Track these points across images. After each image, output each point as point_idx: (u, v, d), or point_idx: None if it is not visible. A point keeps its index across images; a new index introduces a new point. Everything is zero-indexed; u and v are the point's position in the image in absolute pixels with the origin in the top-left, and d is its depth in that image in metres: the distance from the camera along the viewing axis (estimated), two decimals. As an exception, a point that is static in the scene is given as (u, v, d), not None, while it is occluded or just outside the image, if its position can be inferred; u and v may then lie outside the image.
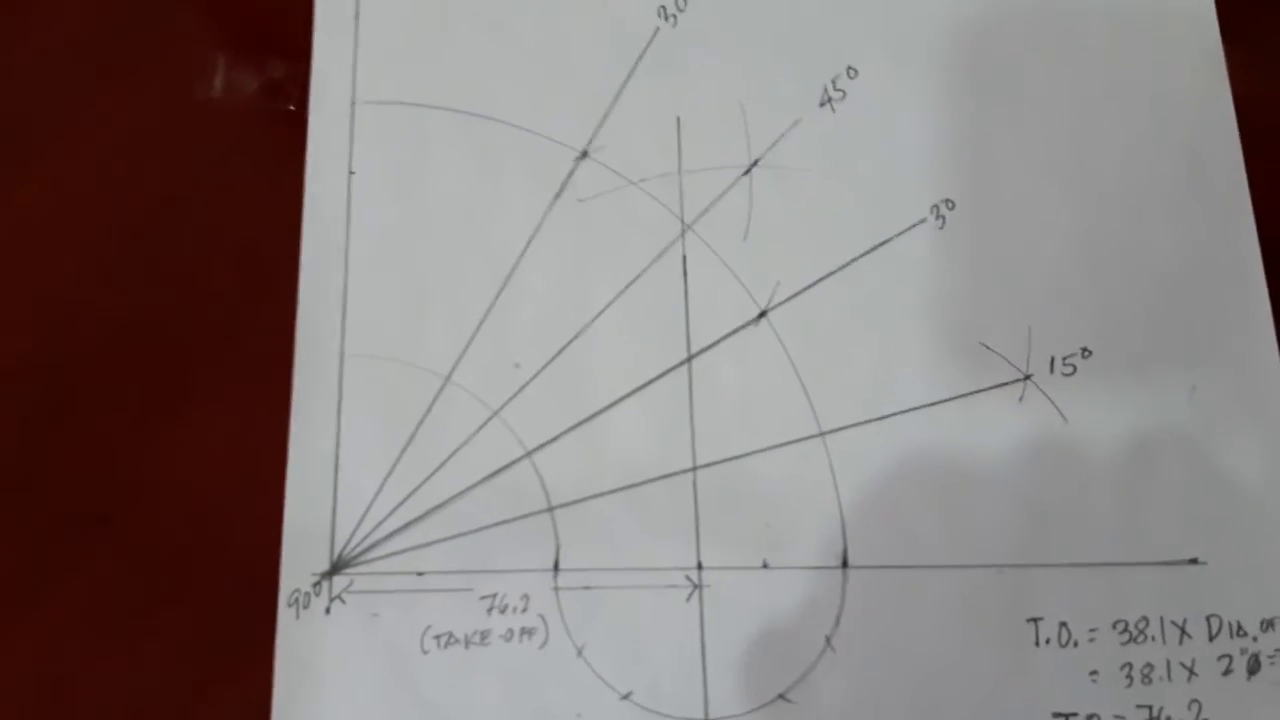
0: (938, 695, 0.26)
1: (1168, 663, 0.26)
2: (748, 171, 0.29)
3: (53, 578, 0.27)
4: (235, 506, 0.27)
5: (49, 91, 0.30)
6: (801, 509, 0.27)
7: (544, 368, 0.28)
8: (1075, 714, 0.25)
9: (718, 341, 0.28)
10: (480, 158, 0.29)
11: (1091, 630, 0.26)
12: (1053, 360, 0.28)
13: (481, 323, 0.28)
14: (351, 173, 0.29)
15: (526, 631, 0.26)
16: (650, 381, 0.28)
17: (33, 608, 0.26)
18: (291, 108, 0.29)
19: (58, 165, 0.29)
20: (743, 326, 0.28)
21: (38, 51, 0.30)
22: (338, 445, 0.27)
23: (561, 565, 0.27)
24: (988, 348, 0.28)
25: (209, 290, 0.29)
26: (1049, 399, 0.28)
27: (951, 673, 0.26)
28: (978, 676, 0.26)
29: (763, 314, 0.28)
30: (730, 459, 0.27)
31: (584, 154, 0.29)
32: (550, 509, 0.27)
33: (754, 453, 0.27)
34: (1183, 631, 0.26)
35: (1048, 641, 0.26)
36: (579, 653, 0.26)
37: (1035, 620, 0.26)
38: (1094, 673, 0.26)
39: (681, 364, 0.28)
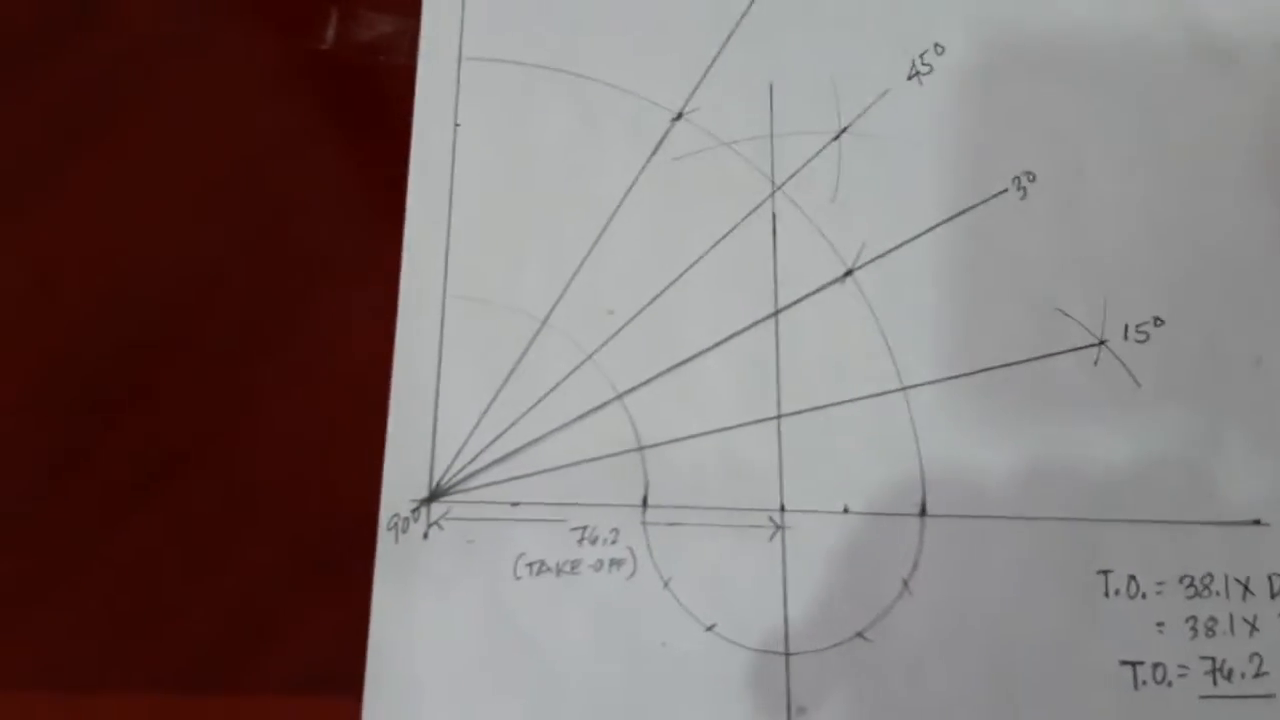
0: (1009, 640, 0.27)
1: (1231, 617, 0.27)
2: (837, 138, 0.31)
3: (153, 498, 0.28)
4: (340, 435, 0.29)
5: (167, 39, 0.32)
6: (882, 459, 0.28)
7: (636, 315, 0.30)
8: (1141, 662, 0.27)
9: (804, 297, 0.30)
10: (580, 115, 0.31)
11: (1159, 584, 0.28)
12: (1126, 328, 0.30)
13: (577, 270, 0.30)
14: (457, 125, 0.31)
15: (615, 562, 0.28)
16: (739, 332, 0.30)
17: (127, 529, 0.28)
18: (402, 61, 0.31)
19: (174, 109, 0.31)
20: (829, 284, 0.30)
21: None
22: (438, 380, 0.29)
23: (650, 502, 0.28)
24: (1064, 313, 0.30)
25: (316, 231, 0.31)
26: (1122, 364, 0.29)
27: (1023, 619, 0.27)
28: (1048, 624, 0.27)
29: (849, 273, 0.30)
30: (814, 408, 0.29)
31: (679, 115, 0.31)
32: (640, 448, 0.29)
33: (837, 404, 0.29)
34: (1246, 589, 0.28)
35: (1117, 593, 0.28)
36: (665, 584, 0.28)
37: (1105, 572, 0.28)
38: (1160, 624, 0.27)
39: (769, 317, 0.30)
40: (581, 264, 0.30)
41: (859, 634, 0.27)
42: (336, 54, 0.32)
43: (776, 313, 0.30)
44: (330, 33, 0.32)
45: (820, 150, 0.31)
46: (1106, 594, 0.28)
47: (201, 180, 0.31)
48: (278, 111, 0.31)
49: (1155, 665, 0.27)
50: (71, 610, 0.27)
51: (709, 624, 0.27)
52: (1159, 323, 0.30)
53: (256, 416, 0.29)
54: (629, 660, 0.27)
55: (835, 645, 0.27)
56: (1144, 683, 0.27)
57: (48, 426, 0.29)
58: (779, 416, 0.29)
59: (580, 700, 0.27)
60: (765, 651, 0.27)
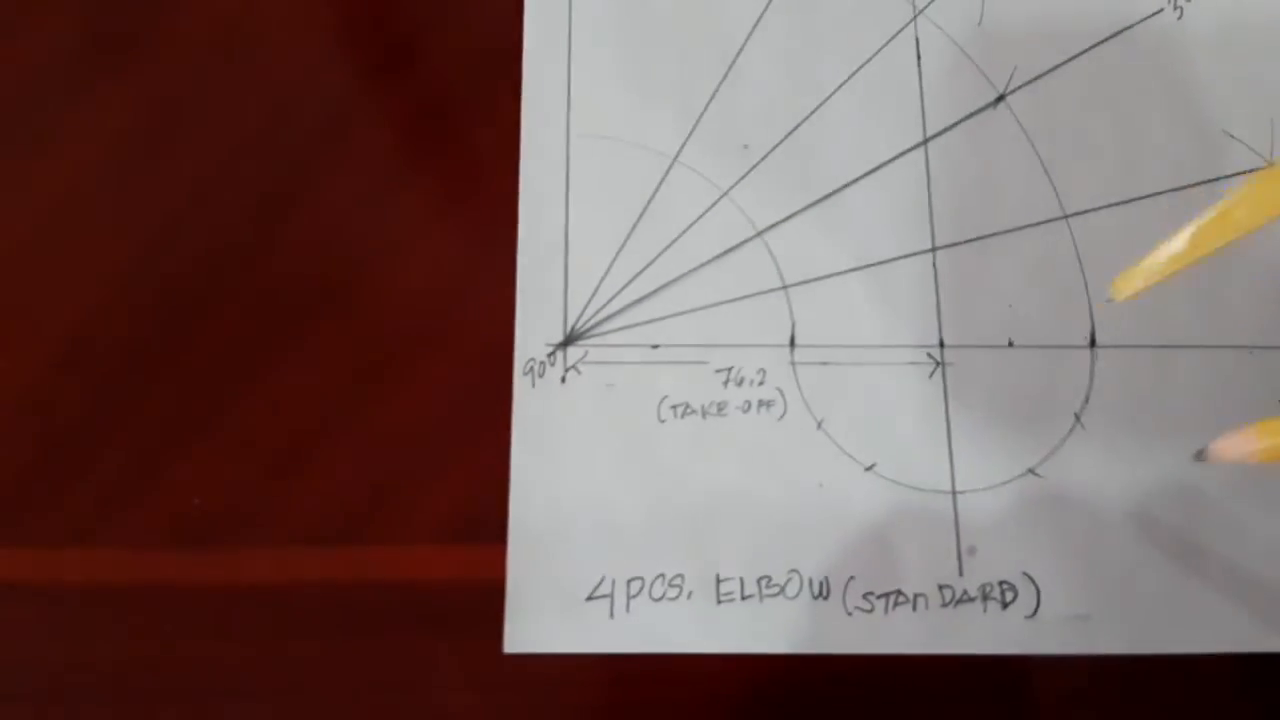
0: (1190, 474, 0.26)
1: None
2: (981, -42, 0.29)
3: (288, 350, 0.27)
4: (471, 280, 0.28)
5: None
6: (1046, 290, 0.27)
7: (774, 149, 0.28)
8: (1333, 492, 0.26)
9: (955, 124, 0.28)
10: (704, -57, 0.30)
11: (1347, 411, 0.26)
12: (1297, 149, 0.28)
13: (709, 104, 0.29)
14: (573, -45, 0.30)
15: (764, 404, 0.27)
16: (886, 163, 0.28)
17: (265, 380, 0.27)
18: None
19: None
20: (980, 110, 0.28)
21: None
22: (567, 221, 0.28)
23: (798, 341, 0.27)
24: (1231, 135, 0.28)
25: (434, 76, 0.29)
26: (1296, 187, 0.28)
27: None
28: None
29: (1001, 97, 0.28)
30: (971, 240, 0.28)
31: (810, -60, 0.30)
32: (784, 287, 0.28)
33: (996, 234, 0.28)
34: None
35: (1302, 421, 0.26)
36: (819, 425, 0.27)
37: (1288, 400, 0.26)
38: (1351, 452, 0.26)
39: (917, 146, 0.28)
40: (713, 97, 0.29)
41: (1030, 470, 0.26)
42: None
43: (925, 141, 0.28)
44: None
45: (963, -28, 0.29)
46: (1291, 423, 0.26)
47: (313, 34, 0.30)
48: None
49: (1348, 495, 0.26)
50: (210, 463, 0.26)
51: (868, 464, 0.26)
52: (1332, 145, 0.28)
53: (383, 265, 0.28)
54: (785, 503, 0.26)
55: (1005, 483, 0.26)
56: (1335, 511, 0.26)
57: (172, 282, 0.28)
58: (933, 249, 0.28)
59: (737, 544, 0.26)
60: (931, 490, 0.26)
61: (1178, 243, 0.21)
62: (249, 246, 0.28)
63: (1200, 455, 0.22)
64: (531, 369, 0.27)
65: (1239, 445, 0.21)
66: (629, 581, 0.26)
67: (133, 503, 0.26)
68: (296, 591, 0.26)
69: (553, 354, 0.27)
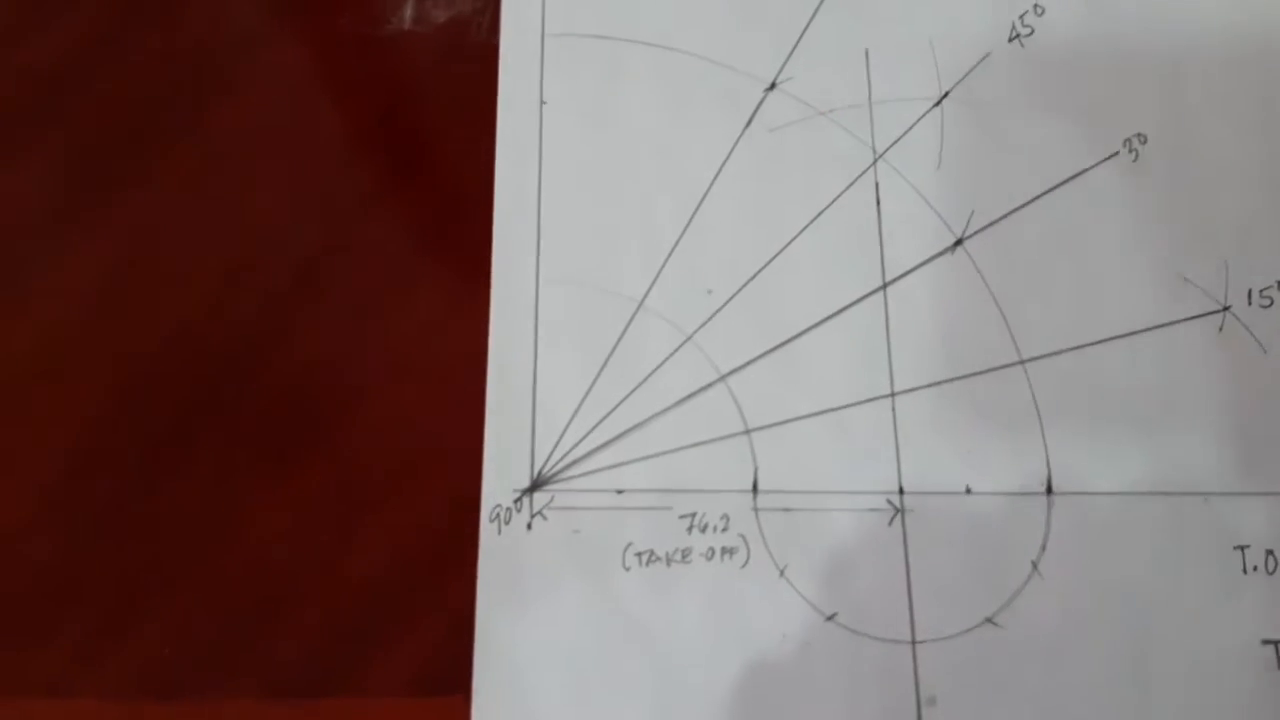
0: (1145, 621, 0.27)
1: (1379, 593, 0.27)
2: (938, 103, 0.31)
3: (263, 492, 0.29)
4: (436, 428, 0.29)
5: (245, 25, 0.32)
6: (1003, 435, 0.29)
7: (736, 293, 0.30)
8: (1286, 640, 0.27)
9: (914, 269, 0.30)
10: (669, 89, 0.31)
11: (1300, 558, 0.28)
12: (1250, 292, 0.30)
13: (673, 250, 0.30)
14: (543, 103, 0.31)
15: (728, 550, 0.28)
16: (846, 307, 0.30)
17: (229, 534, 0.29)
18: (483, 39, 0.32)
19: (254, 96, 0.32)
20: (939, 254, 0.30)
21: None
22: (535, 367, 0.29)
23: (761, 487, 0.29)
24: (1186, 280, 0.30)
25: (405, 219, 0.31)
26: (1248, 330, 0.29)
27: (1159, 599, 0.27)
28: (1185, 604, 0.27)
29: (959, 242, 0.30)
30: (930, 385, 0.29)
31: (773, 85, 0.31)
32: (747, 431, 0.29)
33: (954, 379, 0.29)
34: (1393, 562, 0.28)
35: (1255, 569, 0.28)
36: (781, 573, 0.28)
37: (1242, 548, 0.28)
38: (1304, 600, 0.27)
39: (877, 290, 0.30)
40: (677, 243, 0.30)
41: (988, 620, 0.27)
42: (414, 35, 0.32)
43: (884, 286, 0.30)
44: (408, 13, 0.32)
45: (922, 117, 0.31)
46: (1244, 570, 0.28)
47: (283, 170, 0.31)
48: (358, 97, 0.32)
49: (1301, 643, 0.27)
50: (181, 614, 0.28)
51: (829, 613, 0.28)
52: (1284, 287, 0.30)
53: (355, 412, 0.30)
54: (747, 653, 0.27)
55: (964, 632, 0.27)
56: (1290, 662, 0.27)
57: (146, 429, 0.29)
58: (893, 394, 0.29)
59: (698, 696, 0.27)
60: (891, 641, 0.27)
61: None
62: (219, 396, 0.30)
63: None
64: (498, 516, 0.28)
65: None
66: (592, 733, 0.27)
67: (107, 653, 0.28)
68: (265, 742, 0.27)
69: (519, 500, 0.29)
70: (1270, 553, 0.28)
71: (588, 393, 0.29)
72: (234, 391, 0.30)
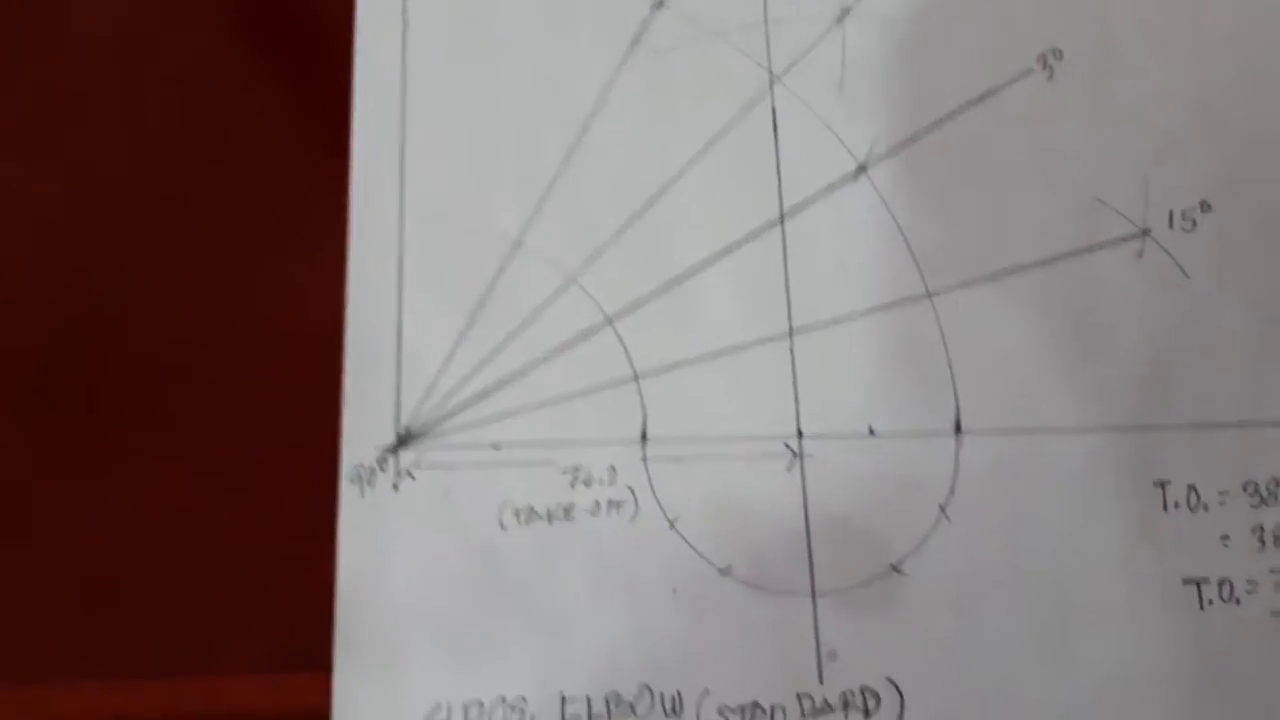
0: (1061, 565, 0.27)
1: (1304, 527, 0.27)
2: (840, 20, 0.30)
3: (107, 461, 0.28)
4: (294, 383, 0.28)
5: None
6: (909, 374, 0.28)
7: (622, 230, 0.29)
8: (1206, 579, 0.27)
9: (813, 199, 0.29)
10: (546, 7, 0.30)
11: (1221, 493, 0.27)
12: (1171, 214, 0.29)
13: (553, 183, 0.29)
14: (406, 25, 0.30)
15: (614, 504, 0.27)
16: (740, 243, 0.29)
17: (74, 505, 0.27)
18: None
19: (80, 42, 0.30)
20: (840, 183, 0.29)
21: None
22: (399, 313, 0.28)
23: (650, 435, 0.28)
24: (1102, 202, 0.29)
25: (256, 159, 0.30)
26: (1169, 254, 0.29)
27: (1075, 541, 0.27)
28: (1103, 544, 0.27)
29: (862, 169, 0.29)
30: (830, 323, 0.28)
31: (660, 3, 0.30)
32: (635, 377, 0.28)
33: (856, 316, 0.28)
34: (1320, 495, 0.27)
35: (1176, 505, 0.27)
36: (672, 525, 0.27)
37: (1162, 484, 0.27)
38: (1225, 537, 0.27)
39: (774, 224, 0.29)
40: (557, 176, 0.29)
41: (893, 567, 0.27)
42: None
43: (782, 219, 0.29)
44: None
45: (822, 36, 0.30)
46: (1165, 507, 0.27)
47: (118, 124, 0.30)
48: (195, 37, 0.30)
49: (1221, 582, 0.27)
50: (19, 594, 0.27)
51: (723, 566, 0.27)
52: (1206, 208, 0.29)
53: (203, 375, 0.28)
54: (636, 611, 0.26)
55: (866, 582, 0.27)
56: (1210, 601, 0.26)
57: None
58: (790, 333, 0.28)
59: (584, 659, 0.26)
60: (789, 593, 0.27)
61: None
62: (56, 363, 0.28)
63: None
64: (360, 476, 0.27)
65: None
66: (466, 707, 0.26)
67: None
68: (111, 728, 0.26)
69: (383, 458, 0.27)
70: (1192, 488, 0.27)
71: (459, 340, 0.28)
72: (72, 357, 0.28)
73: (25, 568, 0.27)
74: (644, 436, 0.28)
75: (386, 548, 0.27)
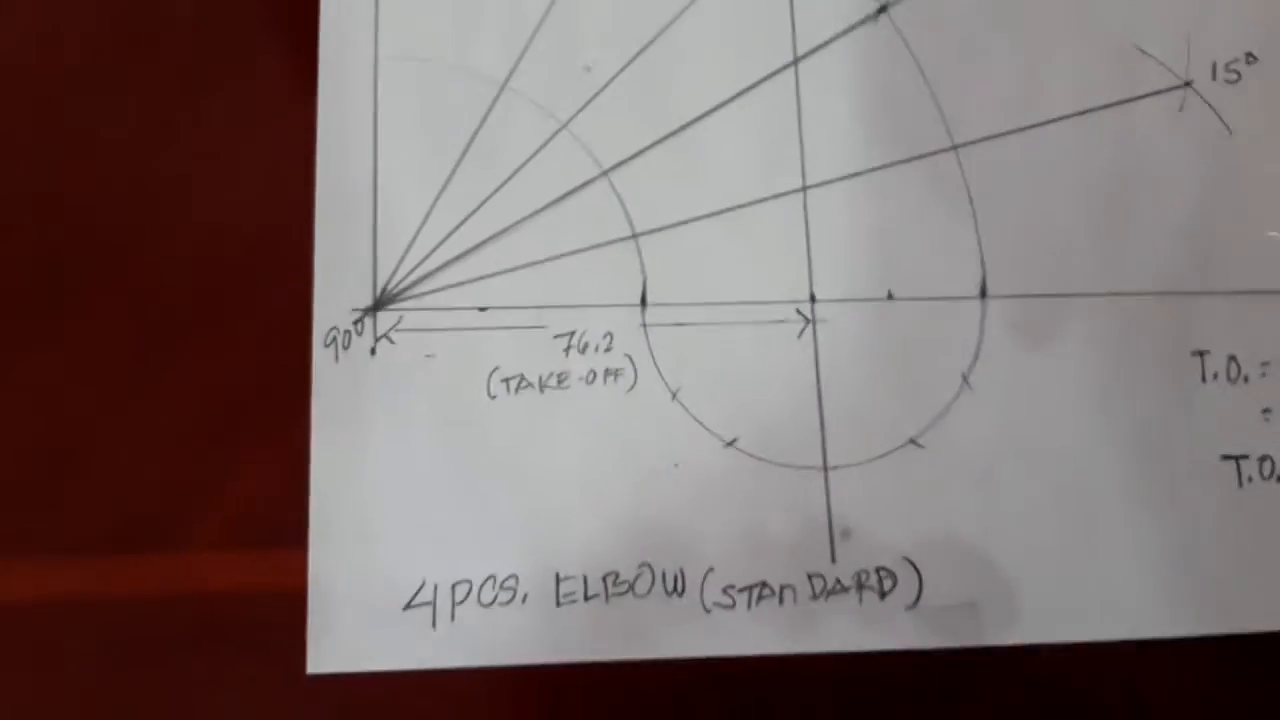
0: (1090, 438, 0.25)
1: (1348, 400, 0.26)
2: None
3: (54, 321, 0.25)
4: (259, 239, 0.26)
5: None
6: (932, 232, 0.26)
7: (620, 71, 0.26)
8: (1246, 455, 0.25)
9: (830, 41, 0.27)
10: None
11: (1264, 364, 0.26)
12: (1214, 66, 0.27)
13: (543, 19, 0.27)
14: None
15: (612, 373, 0.25)
16: (750, 88, 0.26)
17: (24, 368, 0.25)
18: None
19: None
20: (859, 23, 0.27)
21: None
22: (375, 162, 0.26)
23: (650, 299, 0.26)
24: (1142, 51, 0.27)
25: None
26: (1211, 108, 0.27)
27: (1107, 413, 0.25)
28: (1136, 417, 0.25)
29: (883, 8, 0.27)
30: (847, 176, 0.26)
31: None
32: (634, 235, 0.26)
33: (876, 169, 0.26)
34: (1364, 366, 0.26)
35: (1215, 377, 0.26)
36: (674, 396, 0.25)
37: (1201, 354, 0.26)
38: (1266, 410, 0.25)
39: (787, 67, 0.27)
40: (548, 11, 0.27)
41: (912, 440, 0.25)
42: None
43: (795, 61, 0.27)
44: None
45: None
46: (1203, 379, 0.26)
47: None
48: None
49: (1262, 459, 0.25)
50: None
51: (729, 439, 0.25)
52: (1251, 59, 0.27)
53: (159, 222, 0.26)
54: (635, 487, 0.25)
55: (883, 455, 0.25)
56: (1249, 479, 0.25)
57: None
58: (804, 188, 0.26)
59: (577, 536, 0.24)
60: (800, 467, 0.25)
61: None
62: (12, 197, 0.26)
63: None
64: (334, 340, 0.25)
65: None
66: (454, 586, 0.24)
67: None
68: (63, 610, 0.24)
69: (359, 321, 0.25)
70: (1232, 358, 0.26)
71: (441, 192, 0.26)
72: (19, 201, 0.26)
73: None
74: (643, 300, 0.26)
75: (364, 416, 0.25)
